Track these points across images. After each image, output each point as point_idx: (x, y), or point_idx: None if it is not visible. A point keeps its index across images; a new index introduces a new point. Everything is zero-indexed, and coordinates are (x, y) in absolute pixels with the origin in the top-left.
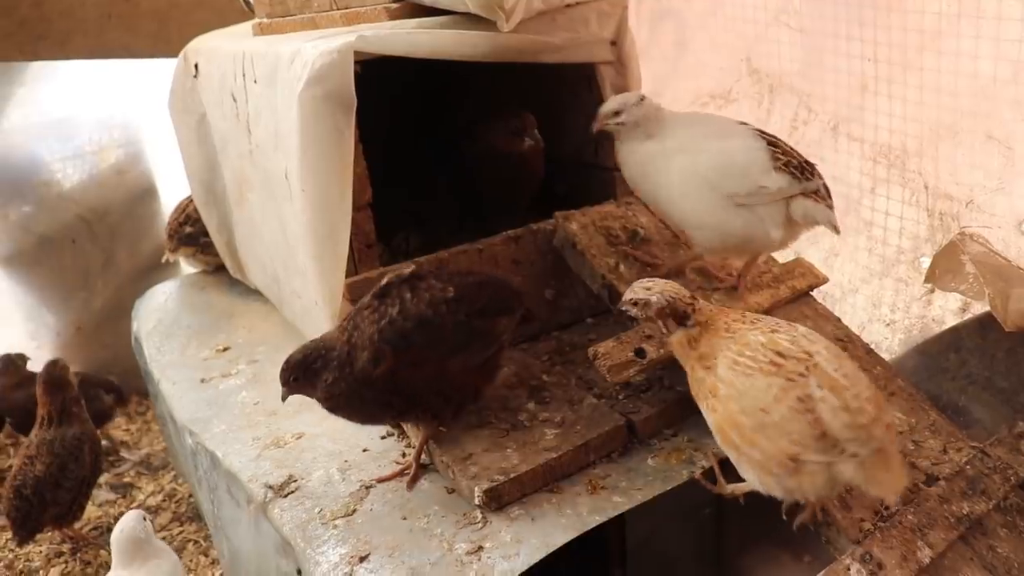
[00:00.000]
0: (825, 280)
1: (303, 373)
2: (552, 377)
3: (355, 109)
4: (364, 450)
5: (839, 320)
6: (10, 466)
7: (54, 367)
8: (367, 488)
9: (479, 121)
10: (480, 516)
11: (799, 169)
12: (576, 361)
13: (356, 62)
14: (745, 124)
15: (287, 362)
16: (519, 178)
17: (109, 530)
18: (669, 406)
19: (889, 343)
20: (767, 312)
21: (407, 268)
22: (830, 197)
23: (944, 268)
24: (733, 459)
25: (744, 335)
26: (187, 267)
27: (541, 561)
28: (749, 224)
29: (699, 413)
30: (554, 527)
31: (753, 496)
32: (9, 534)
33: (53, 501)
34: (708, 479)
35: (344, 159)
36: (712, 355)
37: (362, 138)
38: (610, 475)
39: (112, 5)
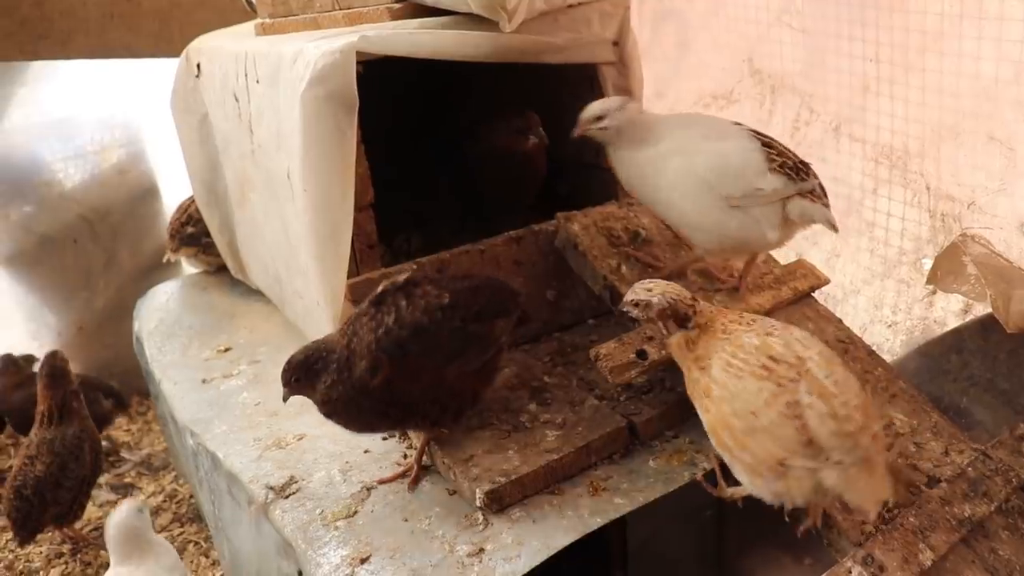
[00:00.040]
0: (827, 281)
1: (304, 374)
2: (553, 378)
3: (357, 109)
4: (365, 451)
5: (840, 321)
6: (10, 466)
7: (54, 358)
8: (368, 489)
9: (482, 121)
10: (481, 518)
11: (794, 170)
12: (578, 362)
13: (358, 62)
14: (739, 124)
15: (289, 362)
16: (522, 177)
17: None
18: (670, 408)
19: (891, 344)
20: (768, 313)
21: (402, 275)
22: (826, 196)
23: (946, 269)
24: (727, 460)
25: (739, 337)
26: (189, 267)
27: (543, 563)
28: (745, 225)
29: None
30: (555, 529)
31: (753, 499)
32: (9, 534)
33: (54, 501)
34: (709, 481)
35: (346, 159)
36: (707, 356)
37: (364, 138)
38: (611, 477)
39: (114, 5)
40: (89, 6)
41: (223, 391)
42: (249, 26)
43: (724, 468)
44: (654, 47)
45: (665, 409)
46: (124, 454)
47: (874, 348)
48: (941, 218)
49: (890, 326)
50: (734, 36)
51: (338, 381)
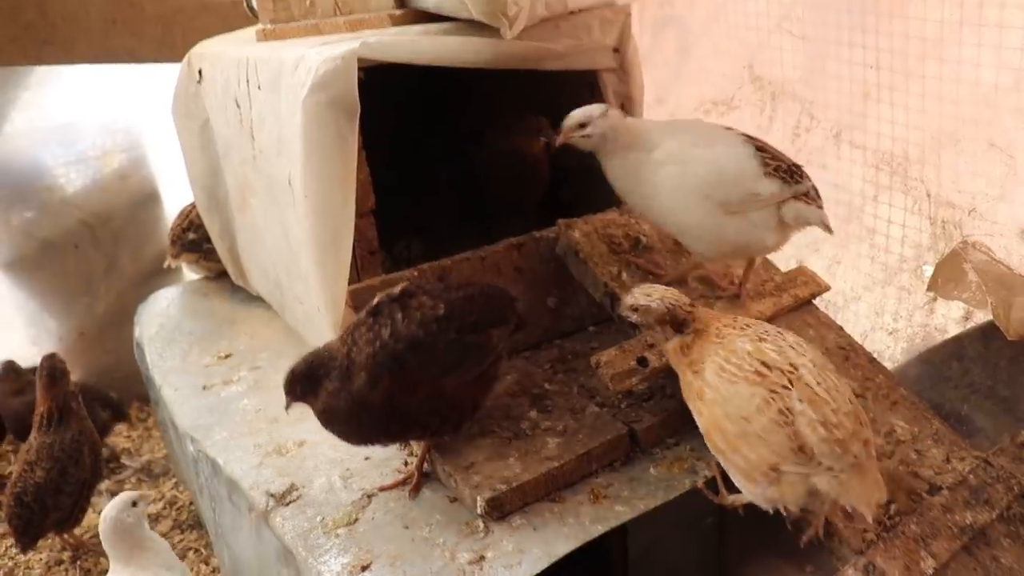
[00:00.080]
0: (827, 288)
1: (307, 384)
2: (554, 385)
3: (358, 115)
4: (366, 458)
5: (841, 329)
6: (10, 473)
7: (53, 359)
8: (369, 497)
9: (485, 127)
10: (482, 525)
11: (788, 173)
12: (578, 369)
13: (360, 68)
14: (730, 129)
15: (292, 372)
16: (527, 181)
17: None
18: (671, 415)
19: (892, 351)
20: (770, 320)
21: (397, 287)
22: (819, 197)
23: (947, 276)
24: (723, 463)
25: (732, 341)
26: (189, 273)
27: (543, 571)
28: (742, 231)
29: None
30: (556, 536)
31: (754, 506)
32: (9, 541)
33: (55, 506)
34: (710, 489)
35: (347, 165)
36: (701, 360)
37: (365, 144)
38: (612, 484)
39: (117, 10)
40: (92, 11)
41: (223, 397)
42: (251, 31)
43: (725, 476)
44: (655, 53)
45: (666, 416)
46: (124, 460)
47: (875, 355)
48: (942, 225)
49: (891, 333)
50: (735, 42)
51: (339, 390)
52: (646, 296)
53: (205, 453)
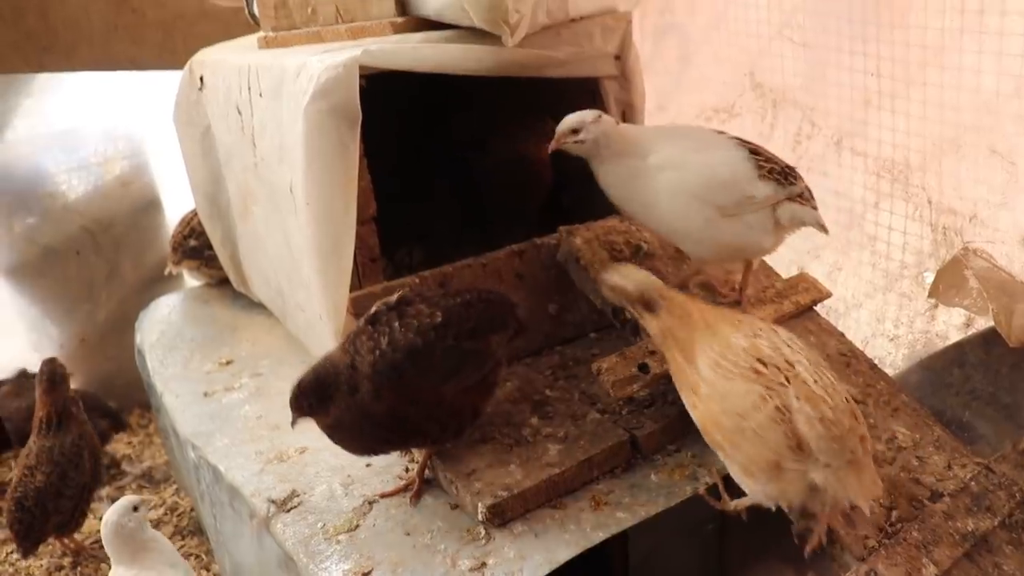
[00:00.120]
0: (828, 295)
1: (316, 399)
2: (555, 392)
3: (360, 123)
4: (367, 465)
5: (842, 335)
6: (10, 478)
7: (52, 363)
8: (370, 503)
9: (487, 134)
10: (484, 532)
11: (782, 175)
12: (579, 376)
13: (361, 76)
14: (723, 133)
15: (299, 387)
16: (530, 188)
17: None
18: (672, 421)
19: (893, 358)
20: None
21: (394, 296)
22: (813, 198)
23: (948, 283)
24: (722, 458)
25: (726, 336)
26: (191, 280)
27: None
28: (739, 234)
29: None
30: (557, 543)
31: (756, 512)
32: (9, 547)
33: (56, 510)
34: (712, 495)
35: (349, 173)
36: (691, 344)
37: (366, 152)
38: (613, 491)
39: (118, 16)
40: (93, 18)
41: (225, 404)
42: (252, 39)
43: (727, 481)
44: (656, 61)
45: (667, 423)
46: (125, 467)
47: (876, 362)
48: (943, 232)
49: (892, 340)
50: (735, 50)
51: (350, 405)
52: (621, 276)
53: (206, 460)
